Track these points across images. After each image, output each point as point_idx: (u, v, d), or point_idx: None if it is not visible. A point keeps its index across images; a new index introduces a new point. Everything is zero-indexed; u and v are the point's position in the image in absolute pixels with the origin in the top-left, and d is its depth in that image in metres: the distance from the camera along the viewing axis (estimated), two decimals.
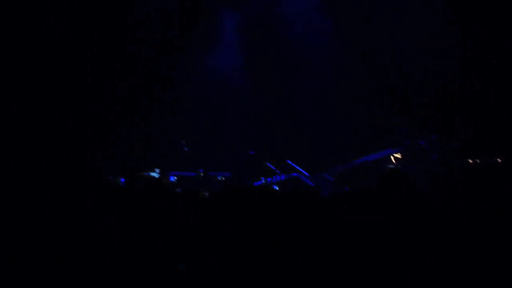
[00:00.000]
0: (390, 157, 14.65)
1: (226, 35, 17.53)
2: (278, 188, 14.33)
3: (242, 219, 5.41)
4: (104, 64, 15.83)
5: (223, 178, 14.61)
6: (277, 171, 15.42)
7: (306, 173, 15.47)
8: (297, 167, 15.71)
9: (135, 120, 16.30)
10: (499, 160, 12.94)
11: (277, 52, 17.09)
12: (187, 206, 5.87)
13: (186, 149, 16.10)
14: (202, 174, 14.40)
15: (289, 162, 15.82)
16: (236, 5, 17.40)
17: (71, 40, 15.22)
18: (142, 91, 16.58)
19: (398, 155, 14.52)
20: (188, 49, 17.02)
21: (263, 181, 14.94)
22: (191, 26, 16.88)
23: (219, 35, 17.56)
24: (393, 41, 15.79)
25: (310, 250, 4.94)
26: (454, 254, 4.24)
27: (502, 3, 14.36)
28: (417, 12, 15.21)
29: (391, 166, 14.48)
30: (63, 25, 15.08)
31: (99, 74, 15.79)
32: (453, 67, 14.96)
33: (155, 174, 12.76)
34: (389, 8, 15.74)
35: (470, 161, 13.18)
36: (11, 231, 5.06)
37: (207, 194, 6.70)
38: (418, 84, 15.69)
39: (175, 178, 14.07)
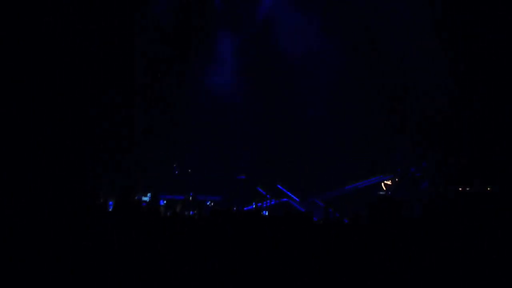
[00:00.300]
0: (381, 184, 14.68)
1: (222, 59, 17.61)
2: (268, 213, 14.32)
3: (232, 243, 5.39)
4: (97, 86, 15.83)
5: (212, 203, 14.56)
6: (268, 195, 15.40)
7: (297, 198, 15.46)
8: (288, 192, 15.70)
9: (126, 143, 16.26)
10: (489, 188, 13.00)
11: (273, 78, 17.16)
12: (176, 229, 5.84)
13: (177, 172, 16.06)
14: (191, 198, 14.34)
15: (280, 187, 15.81)
16: (233, 26, 17.50)
17: (64, 65, 15.25)
18: (135, 113, 16.57)
19: (388, 182, 14.55)
20: (183, 71, 17.08)
21: (254, 206, 14.91)
22: (186, 48, 16.94)
23: (215, 58, 17.64)
24: (384, 69, 15.91)
25: (301, 275, 4.92)
26: (444, 279, 4.25)
27: (493, 28, 14.50)
28: (408, 43, 15.34)
29: (381, 192, 14.50)
30: (52, 46, 15.13)
31: (93, 96, 15.79)
32: (444, 98, 15.07)
33: (146, 198, 12.72)
34: (380, 37, 15.87)
35: (461, 188, 13.23)
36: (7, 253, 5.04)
37: (196, 218, 6.68)
38: (410, 113, 15.77)
39: (165, 201, 14.01)
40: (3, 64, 13.93)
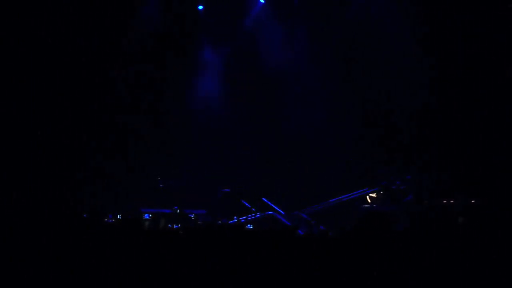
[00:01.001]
0: (365, 197, 14.70)
1: (207, 70, 17.60)
2: (253, 227, 14.27)
3: (216, 257, 5.35)
4: (81, 99, 15.77)
5: (196, 216, 14.47)
6: (253, 209, 15.36)
7: (282, 211, 15.43)
8: (273, 205, 15.67)
9: (112, 156, 16.16)
10: (473, 201, 13.06)
11: (256, 91, 17.17)
12: (161, 243, 5.80)
13: (161, 185, 15.97)
14: (177, 211, 14.25)
15: (265, 200, 15.77)
16: (220, 40, 17.51)
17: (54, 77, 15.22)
18: (120, 125, 16.49)
19: (373, 195, 14.57)
20: (167, 82, 17.04)
21: (237, 219, 14.86)
22: (170, 58, 16.89)
23: (199, 69, 17.63)
24: (371, 81, 15.99)
25: None
26: None
27: (474, 44, 14.62)
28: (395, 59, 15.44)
29: (366, 205, 14.51)
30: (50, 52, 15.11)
31: (76, 105, 15.73)
32: (428, 108, 15.15)
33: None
34: (365, 49, 15.97)
35: (445, 201, 13.28)
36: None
37: (181, 232, 6.63)
38: (394, 125, 15.83)
39: (149, 215, 13.93)
40: None
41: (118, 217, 12.29)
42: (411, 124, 15.61)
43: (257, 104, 17.16)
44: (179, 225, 13.01)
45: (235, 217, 14.94)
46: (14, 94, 14.79)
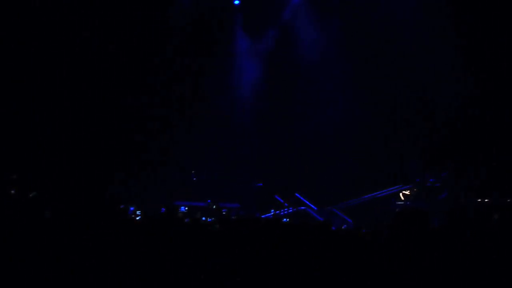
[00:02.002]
0: (399, 194, 14.62)
1: (241, 64, 17.67)
2: (286, 221, 14.31)
3: (249, 250, 5.40)
4: (114, 90, 15.93)
5: (229, 210, 14.55)
6: (285, 204, 15.40)
7: (314, 207, 15.44)
8: (305, 201, 15.68)
9: (147, 151, 16.31)
10: (508, 200, 12.91)
11: (290, 85, 17.17)
12: (196, 236, 5.87)
13: (194, 179, 16.09)
14: (213, 205, 14.35)
15: (298, 195, 15.79)
16: (252, 33, 17.59)
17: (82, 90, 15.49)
18: (153, 121, 16.63)
19: (407, 192, 14.48)
20: (204, 80, 17.13)
21: (272, 213, 14.90)
22: (204, 53, 16.98)
23: (235, 65, 17.71)
24: (405, 79, 15.87)
25: (318, 285, 4.92)
26: None
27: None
28: (429, 53, 15.28)
29: (400, 202, 14.43)
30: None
31: (110, 101, 15.91)
32: (465, 106, 14.98)
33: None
34: (402, 47, 15.84)
35: (480, 199, 13.15)
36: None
37: (217, 226, 6.69)
38: (430, 122, 15.69)
39: (186, 208, 14.05)
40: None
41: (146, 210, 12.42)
42: (446, 122, 15.46)
43: (292, 99, 17.16)
44: (213, 218, 13.11)
45: (271, 211, 14.99)
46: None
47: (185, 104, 16.94)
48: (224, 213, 14.30)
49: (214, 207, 14.27)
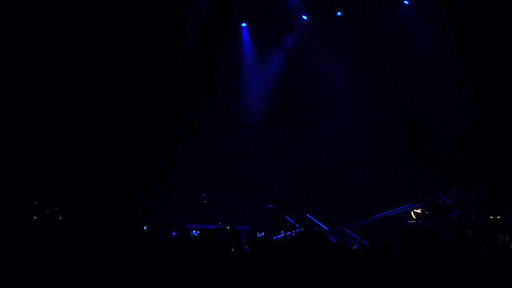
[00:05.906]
0: (410, 212, 14.57)
1: (253, 86, 17.74)
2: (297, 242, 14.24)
3: (261, 272, 5.40)
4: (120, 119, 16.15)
5: (240, 232, 14.49)
6: (296, 225, 15.35)
7: (326, 228, 15.38)
8: (317, 221, 15.64)
9: (156, 173, 16.38)
10: None
11: (299, 106, 17.23)
12: (208, 259, 5.89)
13: (205, 201, 16.09)
14: (228, 228, 14.29)
15: (309, 216, 15.75)
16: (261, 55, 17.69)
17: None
18: (162, 142, 16.73)
19: (418, 211, 14.43)
20: (212, 99, 17.23)
21: (282, 235, 14.86)
22: (214, 72, 17.09)
23: (244, 87, 17.78)
24: (415, 97, 15.93)
25: None
26: None
27: None
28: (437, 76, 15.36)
29: (411, 221, 14.38)
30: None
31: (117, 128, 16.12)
32: (474, 124, 15.00)
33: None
34: (412, 69, 15.92)
35: (491, 217, 13.09)
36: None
37: (233, 250, 6.70)
38: (440, 140, 15.71)
39: (197, 232, 14.05)
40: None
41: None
42: (456, 139, 15.47)
43: (301, 118, 17.21)
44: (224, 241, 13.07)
45: (282, 232, 14.95)
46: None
47: (193, 125, 17.05)
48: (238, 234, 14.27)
49: (228, 227, 14.22)
